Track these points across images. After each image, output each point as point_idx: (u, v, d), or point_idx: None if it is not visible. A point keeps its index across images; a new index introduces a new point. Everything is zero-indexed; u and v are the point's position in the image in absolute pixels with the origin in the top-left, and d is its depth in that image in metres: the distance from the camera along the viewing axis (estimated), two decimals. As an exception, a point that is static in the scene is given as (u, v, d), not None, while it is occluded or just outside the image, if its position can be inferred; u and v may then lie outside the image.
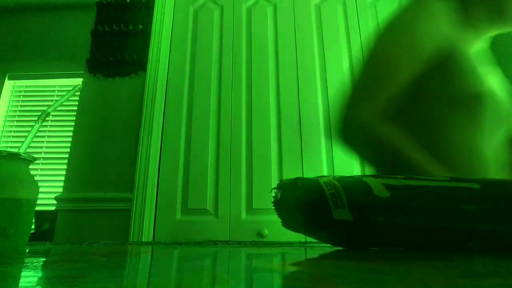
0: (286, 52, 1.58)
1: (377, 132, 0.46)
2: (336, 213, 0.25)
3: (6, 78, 2.02)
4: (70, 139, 1.50)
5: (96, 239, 0.39)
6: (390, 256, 0.23)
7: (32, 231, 0.90)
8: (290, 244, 0.36)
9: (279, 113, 1.49)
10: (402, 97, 0.49)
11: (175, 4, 1.67)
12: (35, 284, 0.15)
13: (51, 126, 1.94)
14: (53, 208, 1.46)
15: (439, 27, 0.49)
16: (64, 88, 2.05)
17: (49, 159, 1.92)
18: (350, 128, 0.49)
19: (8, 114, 2.01)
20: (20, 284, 0.15)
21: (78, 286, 0.13)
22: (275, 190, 0.32)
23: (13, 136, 1.97)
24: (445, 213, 0.24)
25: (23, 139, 0.39)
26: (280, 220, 0.32)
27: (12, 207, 0.32)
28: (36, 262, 0.22)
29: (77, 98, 1.55)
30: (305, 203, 0.27)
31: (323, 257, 0.24)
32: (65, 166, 1.47)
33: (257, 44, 1.60)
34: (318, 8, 1.67)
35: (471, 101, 0.47)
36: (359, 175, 0.29)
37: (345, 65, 1.58)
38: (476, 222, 0.24)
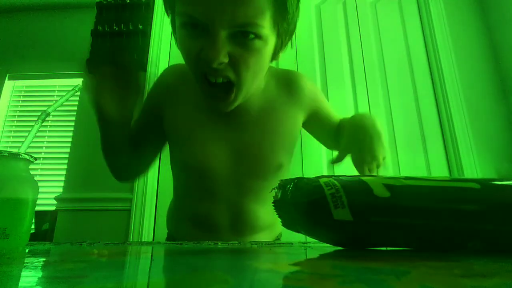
0: (286, 52, 1.58)
1: None
2: (336, 213, 0.25)
3: (6, 78, 2.02)
4: (70, 139, 1.50)
5: (96, 239, 0.39)
6: (390, 256, 0.23)
7: (32, 231, 0.90)
8: (290, 244, 0.36)
9: (279, 113, 1.49)
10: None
11: (175, 4, 1.67)
12: (35, 284, 0.15)
13: (51, 126, 1.94)
14: (53, 208, 1.46)
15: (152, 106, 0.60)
16: (64, 88, 2.05)
17: (49, 159, 1.92)
18: None
19: (8, 114, 2.01)
20: (20, 284, 0.15)
21: (78, 286, 0.13)
22: (275, 190, 0.32)
23: (13, 136, 1.97)
24: (445, 213, 0.24)
25: (23, 139, 0.39)
26: (280, 220, 0.32)
27: (12, 207, 0.32)
28: (36, 262, 0.22)
29: (77, 98, 1.55)
30: (305, 203, 0.27)
31: (323, 257, 0.24)
32: (65, 166, 1.47)
33: (257, 44, 1.60)
34: (318, 8, 1.67)
35: (184, 169, 0.57)
36: (359, 175, 0.29)
37: (345, 65, 1.58)
38: (476, 222, 0.24)
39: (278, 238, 0.66)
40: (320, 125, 0.63)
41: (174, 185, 0.64)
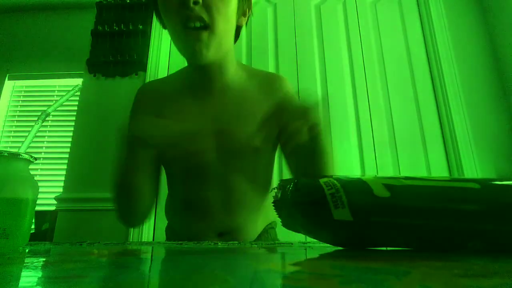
0: (286, 52, 1.58)
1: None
2: (336, 213, 0.25)
3: (6, 78, 2.02)
4: (70, 139, 1.50)
5: (96, 239, 0.39)
6: (390, 256, 0.23)
7: (32, 231, 0.91)
8: (290, 244, 0.36)
9: (279, 113, 1.49)
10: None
11: (175, 4, 1.67)
12: (35, 284, 0.15)
13: (51, 126, 1.94)
14: (53, 208, 1.46)
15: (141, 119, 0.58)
16: (64, 88, 2.05)
17: (49, 159, 1.92)
18: None
19: (8, 114, 2.01)
20: (20, 284, 0.15)
21: (78, 286, 0.13)
22: (275, 190, 0.32)
23: (13, 136, 1.97)
24: (445, 213, 0.24)
25: (23, 139, 0.39)
26: (280, 220, 0.32)
27: (12, 207, 0.32)
28: (36, 262, 0.22)
29: (77, 98, 1.55)
30: (305, 203, 0.27)
31: (323, 257, 0.24)
32: (65, 166, 1.47)
33: (257, 44, 1.60)
34: (318, 8, 1.67)
35: (172, 161, 0.62)
36: (359, 175, 0.29)
37: (345, 65, 1.58)
38: (476, 222, 0.24)
39: (272, 227, 0.69)
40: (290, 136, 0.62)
41: (168, 179, 0.68)
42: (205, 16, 0.50)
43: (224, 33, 0.54)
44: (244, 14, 0.59)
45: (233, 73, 0.61)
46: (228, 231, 0.61)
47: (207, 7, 0.50)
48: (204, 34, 0.51)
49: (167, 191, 0.71)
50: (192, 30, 0.50)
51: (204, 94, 0.60)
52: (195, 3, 0.48)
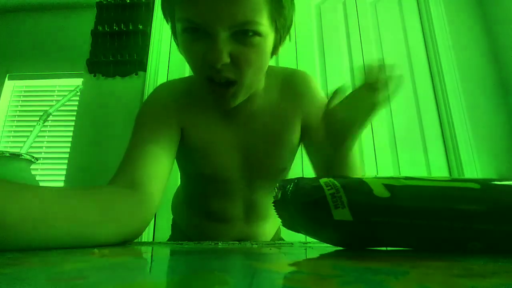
0: (286, 52, 1.58)
1: None
2: (336, 213, 0.25)
3: (6, 78, 2.02)
4: (70, 139, 1.50)
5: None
6: (390, 256, 0.23)
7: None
8: (290, 244, 0.36)
9: (279, 113, 1.49)
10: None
11: (175, 4, 1.67)
12: (35, 284, 0.15)
13: (51, 126, 1.95)
14: (53, 208, 1.46)
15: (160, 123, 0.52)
16: (64, 88, 2.05)
17: (49, 159, 1.92)
18: None
19: (8, 114, 2.01)
20: (20, 285, 0.15)
21: (78, 287, 0.13)
22: (275, 190, 0.33)
23: (13, 136, 1.97)
24: (445, 213, 0.24)
25: (23, 139, 0.39)
26: (280, 220, 0.32)
27: (12, 207, 0.32)
28: (36, 262, 0.22)
29: (77, 98, 1.55)
30: (305, 203, 0.27)
31: (323, 257, 0.24)
32: (65, 166, 1.48)
33: (257, 44, 1.60)
34: (318, 8, 1.67)
35: (197, 176, 0.60)
36: (359, 175, 0.29)
37: (345, 65, 1.58)
38: (476, 222, 0.24)
39: (278, 227, 0.74)
40: (315, 138, 0.57)
41: (185, 186, 0.67)
42: (232, 74, 0.43)
43: (255, 80, 0.47)
44: (281, 41, 0.50)
45: (261, 94, 0.56)
46: (244, 238, 0.64)
47: (237, 64, 0.43)
48: (232, 89, 0.45)
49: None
50: (217, 84, 0.45)
51: (231, 117, 0.56)
52: (224, 65, 0.42)
